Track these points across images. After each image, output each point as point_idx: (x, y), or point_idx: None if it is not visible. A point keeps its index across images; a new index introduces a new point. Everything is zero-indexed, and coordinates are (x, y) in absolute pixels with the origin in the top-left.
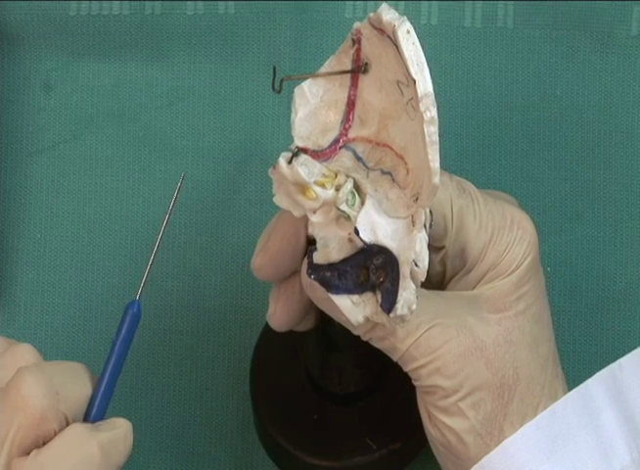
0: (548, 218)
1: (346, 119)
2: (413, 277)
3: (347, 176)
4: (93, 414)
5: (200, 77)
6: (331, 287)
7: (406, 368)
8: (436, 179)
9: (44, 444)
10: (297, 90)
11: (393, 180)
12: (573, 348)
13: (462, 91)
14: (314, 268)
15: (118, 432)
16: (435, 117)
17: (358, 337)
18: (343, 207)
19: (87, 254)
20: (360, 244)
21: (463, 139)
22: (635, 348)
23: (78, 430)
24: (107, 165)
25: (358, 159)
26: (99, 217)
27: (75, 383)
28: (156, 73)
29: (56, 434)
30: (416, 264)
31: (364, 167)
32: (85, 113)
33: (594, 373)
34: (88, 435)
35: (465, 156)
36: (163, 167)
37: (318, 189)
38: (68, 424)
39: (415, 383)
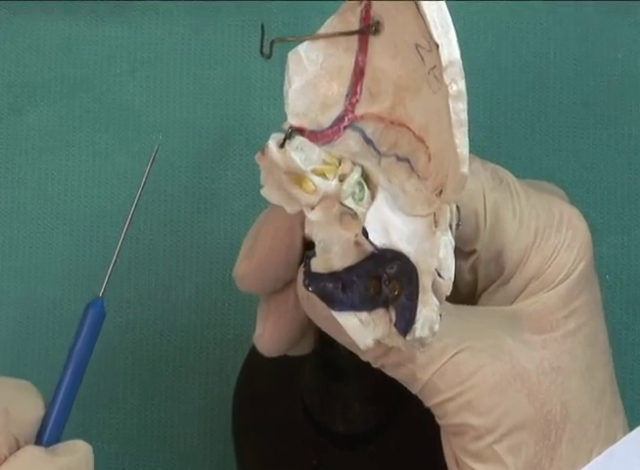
0: (606, 215)
1: (353, 92)
2: (436, 290)
3: (354, 164)
4: (47, 437)
5: (170, 37)
6: (333, 302)
7: (429, 403)
8: (465, 168)
9: None
10: (291, 55)
11: (412, 169)
12: (637, 376)
13: (496, 55)
14: (312, 278)
15: (79, 456)
16: (464, 90)
17: (368, 364)
18: (349, 202)
19: (31, 254)
20: (370, 248)
21: (499, 116)
22: None
23: (35, 454)
24: (54, 147)
25: (368, 141)
26: (44, 211)
27: (25, 402)
28: (115, 32)
29: (6, 459)
30: (439, 274)
31: (375, 153)
32: (27, 81)
33: None
34: (47, 460)
35: (501, 137)
36: (125, 150)
37: (317, 179)
38: (18, 448)
39: (440, 421)
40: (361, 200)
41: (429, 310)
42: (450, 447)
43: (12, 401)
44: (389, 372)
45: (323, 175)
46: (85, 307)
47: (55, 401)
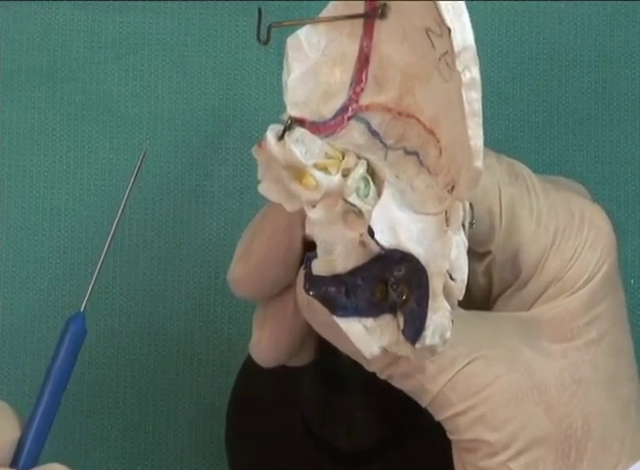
0: (631, 214)
1: (358, 80)
2: (447, 294)
3: (359, 157)
4: (23, 460)
5: (158, 22)
6: (336, 307)
7: (439, 416)
8: (479, 162)
9: None
10: (290, 40)
11: (421, 163)
12: None
13: (514, 41)
14: (314, 282)
15: None
16: (477, 78)
17: (373, 374)
18: (353, 198)
19: (7, 260)
20: (376, 249)
21: (515, 106)
22: None
23: None
24: (33, 141)
25: (373, 134)
26: (22, 212)
27: (1, 423)
28: (98, 16)
29: None
30: (451, 277)
31: (381, 145)
32: (4, 70)
33: None
34: None
35: (518, 129)
36: (109, 144)
37: (319, 174)
38: None
39: (451, 436)
40: (366, 196)
41: (439, 316)
42: (462, 464)
43: None
44: (397, 383)
45: (325, 170)
46: (65, 323)
47: (32, 423)
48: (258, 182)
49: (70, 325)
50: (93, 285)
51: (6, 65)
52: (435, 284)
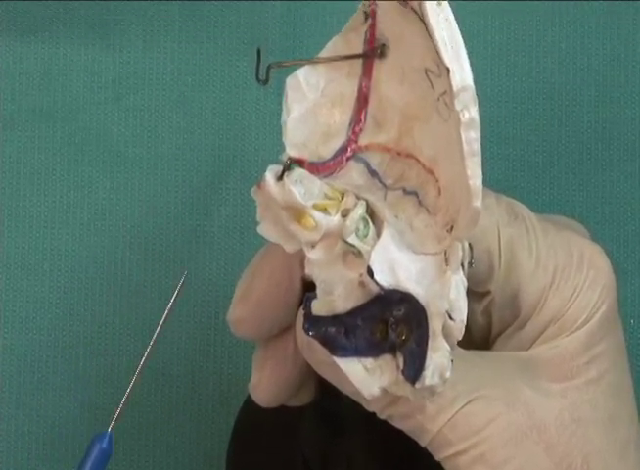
0: (631, 254)
1: (357, 121)
2: (447, 334)
3: (358, 198)
4: None
5: (158, 61)
6: (336, 347)
7: (439, 456)
8: (478, 202)
9: None
10: (289, 80)
11: (420, 203)
12: None
13: (514, 80)
14: (313, 322)
15: None
16: (476, 118)
17: (373, 415)
18: (353, 239)
19: (7, 300)
20: (375, 289)
21: (515, 146)
22: None
23: None
24: (33, 181)
25: (373, 174)
26: (22, 252)
27: None
28: (98, 56)
29: None
30: (450, 317)
31: (380, 186)
32: (4, 110)
33: None
34: None
35: (518, 169)
36: (109, 184)
37: (318, 215)
38: None
39: None
40: (366, 237)
41: (439, 356)
42: None
43: None
44: (397, 423)
45: (324, 210)
46: (91, 441)
47: None
48: (257, 223)
49: (95, 444)
50: (123, 406)
51: (6, 104)
52: (435, 324)
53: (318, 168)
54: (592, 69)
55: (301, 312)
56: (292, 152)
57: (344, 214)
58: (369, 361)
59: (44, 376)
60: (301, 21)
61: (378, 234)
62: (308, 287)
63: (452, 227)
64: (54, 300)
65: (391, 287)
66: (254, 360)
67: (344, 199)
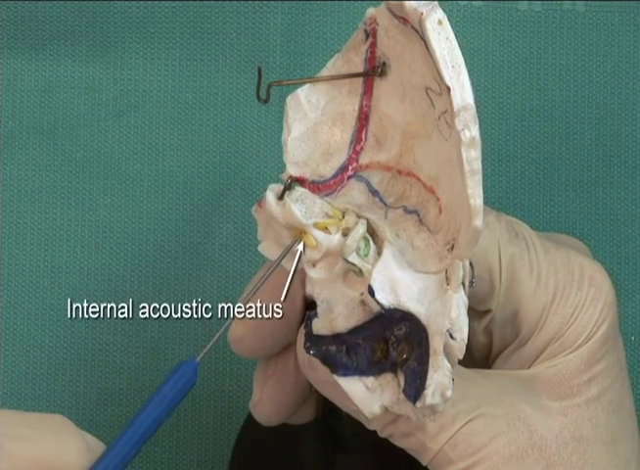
0: (632, 271)
1: (357, 139)
2: (448, 353)
3: (359, 216)
4: None
5: (158, 79)
6: (336, 366)
7: None
8: (479, 220)
9: None
10: (290, 99)
11: (421, 222)
12: None
13: (515, 98)
14: (314, 341)
15: None
16: (477, 137)
17: (374, 433)
18: (353, 258)
19: (8, 317)
20: (376, 308)
21: (516, 163)
22: None
23: None
24: (33, 198)
25: (373, 192)
26: (23, 269)
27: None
28: (99, 74)
29: None
30: (451, 336)
31: (381, 204)
32: (5, 128)
33: None
34: None
35: (519, 186)
36: (110, 201)
37: (319, 234)
38: None
39: None
40: (366, 255)
41: (440, 375)
42: None
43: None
44: (397, 442)
45: (325, 229)
46: (177, 367)
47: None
48: (259, 242)
49: (181, 370)
50: (216, 339)
51: (7, 122)
52: (436, 343)
53: (319, 187)
54: (593, 86)
55: (302, 331)
56: (292, 171)
57: (345, 233)
58: (370, 380)
59: (45, 393)
60: (302, 39)
61: (379, 253)
62: (309, 306)
63: (453, 246)
64: (54, 316)
65: (392, 306)
66: (255, 378)
67: (345, 218)
